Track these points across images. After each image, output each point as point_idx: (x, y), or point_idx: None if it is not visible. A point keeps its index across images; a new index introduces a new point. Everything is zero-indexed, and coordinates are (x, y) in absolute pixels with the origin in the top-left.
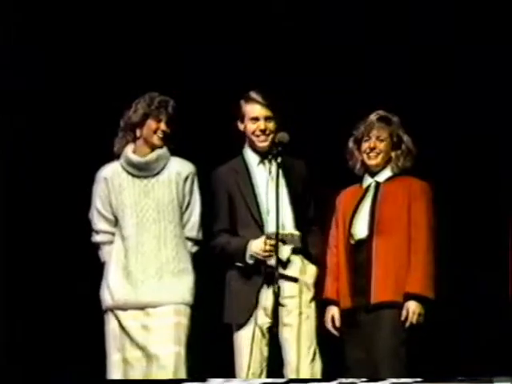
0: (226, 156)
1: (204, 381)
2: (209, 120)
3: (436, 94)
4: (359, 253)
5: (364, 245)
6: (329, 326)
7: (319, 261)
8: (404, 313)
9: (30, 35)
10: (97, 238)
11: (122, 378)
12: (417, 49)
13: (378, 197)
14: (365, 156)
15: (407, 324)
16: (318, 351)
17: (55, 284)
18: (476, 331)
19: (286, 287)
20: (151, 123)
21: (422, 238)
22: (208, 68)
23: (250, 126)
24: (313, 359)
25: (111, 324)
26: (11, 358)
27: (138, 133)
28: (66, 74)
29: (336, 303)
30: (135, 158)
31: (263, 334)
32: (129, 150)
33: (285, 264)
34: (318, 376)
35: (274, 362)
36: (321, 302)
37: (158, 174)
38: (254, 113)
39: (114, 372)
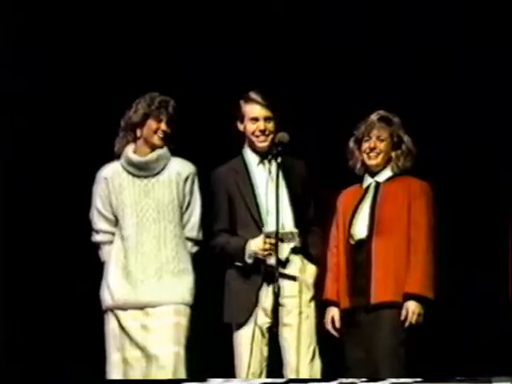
0: (226, 156)
1: (204, 381)
2: (209, 120)
3: (436, 94)
4: (359, 253)
5: (364, 245)
6: (329, 326)
7: (319, 261)
8: (403, 313)
9: (30, 35)
10: (97, 237)
11: (122, 378)
12: (417, 49)
13: (378, 197)
14: (365, 156)
15: (406, 324)
16: (317, 351)
17: (55, 284)
18: (476, 331)
19: (286, 287)
20: (151, 123)
21: (422, 237)
22: (208, 68)
23: (250, 127)
24: (312, 358)
25: (111, 324)
26: (11, 358)
27: (138, 133)
28: (66, 74)
29: (336, 304)
30: (135, 157)
31: (263, 334)
32: (129, 150)
33: (284, 263)
34: (318, 376)
35: (274, 362)
36: (321, 303)
37: (158, 173)
38: (254, 113)
39: (114, 372)
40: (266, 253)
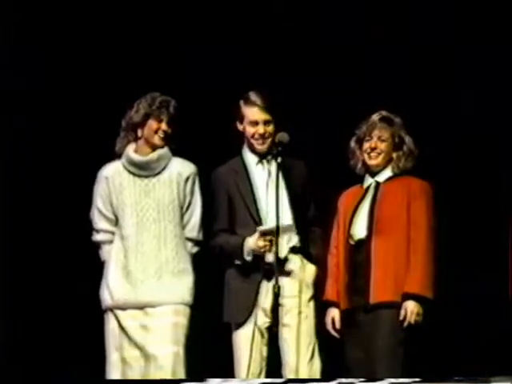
0: (226, 156)
1: (203, 381)
2: (209, 120)
3: (436, 94)
4: (358, 253)
5: (363, 245)
6: (329, 327)
7: (319, 260)
8: (402, 312)
9: (30, 35)
10: (97, 237)
11: (121, 378)
12: (417, 49)
13: (378, 197)
14: (366, 156)
15: (405, 324)
16: (316, 351)
17: (55, 283)
18: (475, 331)
19: (286, 287)
20: (152, 123)
21: (422, 237)
22: (208, 68)
23: (249, 129)
24: (311, 358)
25: (111, 324)
26: (11, 358)
27: (139, 133)
28: (66, 74)
29: (336, 305)
30: (136, 157)
31: (262, 334)
32: (130, 150)
33: (284, 263)
34: (317, 376)
35: (274, 362)
36: (321, 304)
37: (159, 173)
38: (254, 116)
39: (113, 372)
40: (263, 249)
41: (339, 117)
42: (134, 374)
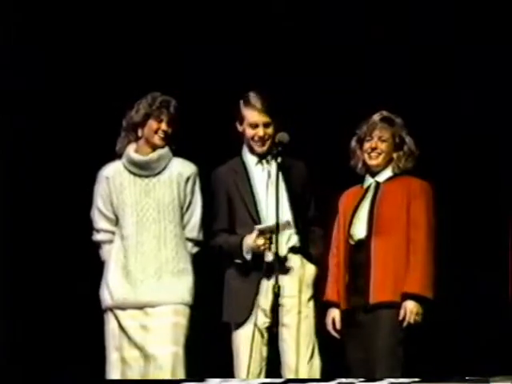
0: (227, 156)
1: (202, 381)
2: (209, 120)
3: (436, 94)
4: (358, 253)
5: (363, 245)
6: (329, 328)
7: (319, 261)
8: (402, 312)
9: (30, 35)
10: (97, 236)
11: (120, 378)
12: (417, 49)
13: (378, 197)
14: (366, 156)
15: (405, 324)
16: (316, 350)
17: (56, 283)
18: (475, 331)
19: (286, 287)
20: (152, 123)
21: (421, 237)
22: (208, 68)
23: (249, 131)
24: (311, 358)
25: (111, 323)
26: (11, 358)
27: (139, 133)
28: (66, 74)
29: (337, 305)
30: (137, 156)
31: (262, 334)
32: (131, 150)
33: (284, 263)
34: (317, 376)
35: (273, 362)
36: (321, 304)
37: (159, 173)
38: (253, 119)
39: (113, 372)
40: (262, 247)
41: (339, 117)
42: (134, 374)
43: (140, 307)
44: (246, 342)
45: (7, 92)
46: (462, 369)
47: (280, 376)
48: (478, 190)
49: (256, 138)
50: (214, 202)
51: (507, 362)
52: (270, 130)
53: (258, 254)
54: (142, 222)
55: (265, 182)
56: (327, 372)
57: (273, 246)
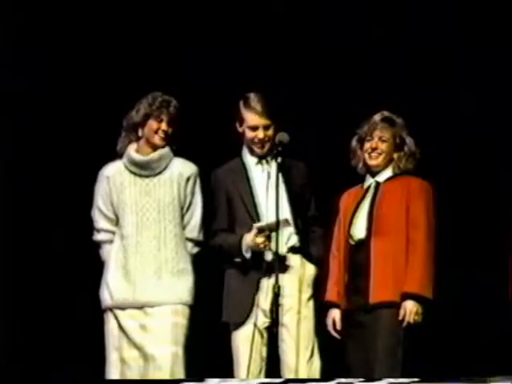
0: (227, 156)
1: (202, 381)
2: (209, 120)
3: (436, 94)
4: (358, 253)
5: (363, 245)
6: (330, 328)
7: (319, 261)
8: (401, 312)
9: (30, 35)
10: (98, 236)
11: (120, 378)
12: (417, 49)
13: (377, 197)
14: (366, 156)
15: (404, 323)
16: (316, 350)
17: (56, 283)
18: (475, 331)
19: (285, 286)
20: (152, 123)
21: (421, 237)
22: (208, 68)
23: (249, 133)
24: (310, 358)
25: (110, 323)
26: (11, 358)
27: (139, 132)
28: (66, 74)
29: (337, 306)
30: (138, 156)
31: (262, 334)
32: (131, 149)
33: (283, 262)
34: (317, 376)
35: (273, 362)
36: (322, 305)
37: (159, 173)
38: (253, 121)
39: (112, 372)
40: (261, 245)
41: (339, 117)
42: (133, 374)
43: (139, 307)
44: (246, 342)
45: (7, 92)
46: (462, 369)
47: (279, 376)
48: (478, 190)
49: (256, 140)
50: (214, 203)
51: (507, 362)
52: (269, 132)
53: (257, 253)
54: (142, 222)
55: (264, 182)
56: (327, 372)
57: (272, 245)
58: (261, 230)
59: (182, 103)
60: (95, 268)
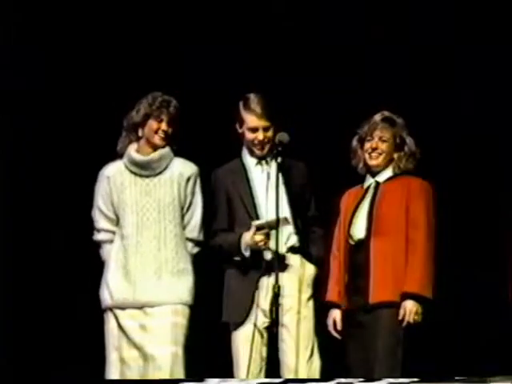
0: (227, 156)
1: (202, 381)
2: (210, 120)
3: (436, 94)
4: (358, 253)
5: (363, 245)
6: (331, 329)
7: (318, 261)
8: (401, 312)
9: (30, 35)
10: (98, 236)
11: (120, 378)
12: (417, 49)
13: (377, 197)
14: (366, 156)
15: (404, 323)
16: (316, 350)
17: (56, 283)
18: (475, 331)
19: (285, 286)
20: (152, 123)
21: (421, 237)
22: (208, 68)
23: (249, 135)
24: (310, 358)
25: (110, 323)
26: (11, 358)
27: (140, 132)
28: (66, 74)
29: (338, 306)
30: (138, 156)
31: (262, 334)
32: (132, 149)
33: (283, 262)
34: (316, 376)
35: (273, 362)
36: (322, 305)
37: (160, 173)
38: (253, 123)
39: (112, 372)
40: (260, 243)
41: (339, 117)
42: (133, 374)
43: (139, 307)
44: (246, 342)
45: (7, 92)
46: (462, 369)
47: (279, 376)
48: (478, 190)
49: (256, 142)
50: (214, 203)
51: (507, 362)
52: (269, 134)
53: (256, 252)
54: (143, 222)
55: (264, 183)
56: (326, 372)
57: (272, 245)
58: (259, 228)
59: (182, 103)
60: (95, 268)
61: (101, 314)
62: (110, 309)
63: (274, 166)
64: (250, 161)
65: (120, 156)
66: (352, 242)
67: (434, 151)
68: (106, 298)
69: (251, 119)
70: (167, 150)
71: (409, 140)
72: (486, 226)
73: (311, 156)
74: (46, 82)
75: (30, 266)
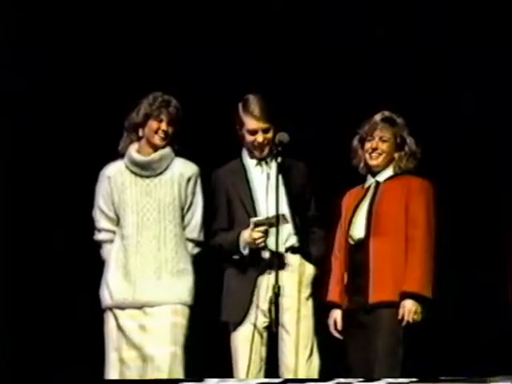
0: (228, 157)
1: (201, 381)
2: (210, 120)
3: (436, 94)
4: (358, 253)
5: (362, 245)
6: (332, 329)
7: (318, 261)
8: (401, 311)
9: (30, 35)
10: (99, 236)
11: (119, 378)
12: (417, 49)
13: (377, 196)
14: (367, 156)
15: (404, 323)
16: (315, 350)
17: (56, 283)
18: (475, 331)
19: (285, 286)
20: (152, 123)
21: (420, 236)
22: (208, 68)
23: (248, 137)
24: (309, 358)
25: (110, 323)
26: (11, 358)
27: (140, 133)
28: (66, 74)
29: (339, 306)
30: (139, 157)
31: (261, 334)
32: (132, 150)
33: (282, 262)
34: (316, 376)
35: (272, 362)
36: (324, 305)
37: (160, 173)
38: (252, 126)
39: (112, 372)
40: (258, 241)
41: (339, 117)
42: (132, 374)
43: (139, 307)
44: (245, 342)
45: (7, 92)
46: (462, 369)
47: (278, 376)
48: (479, 190)
49: (255, 144)
50: (214, 203)
51: (507, 362)
52: (269, 135)
53: (255, 251)
54: (143, 222)
55: (264, 183)
56: (326, 372)
57: (272, 245)
58: (258, 225)
59: (182, 103)
60: (95, 268)
61: (101, 314)
62: (110, 309)
63: (274, 166)
64: (249, 161)
65: (121, 156)
66: (352, 242)
67: (435, 151)
68: (105, 297)
69: (250, 122)
70: (168, 150)
71: (409, 140)
72: (486, 226)
73: (311, 156)
74: (46, 82)
75: (30, 266)
